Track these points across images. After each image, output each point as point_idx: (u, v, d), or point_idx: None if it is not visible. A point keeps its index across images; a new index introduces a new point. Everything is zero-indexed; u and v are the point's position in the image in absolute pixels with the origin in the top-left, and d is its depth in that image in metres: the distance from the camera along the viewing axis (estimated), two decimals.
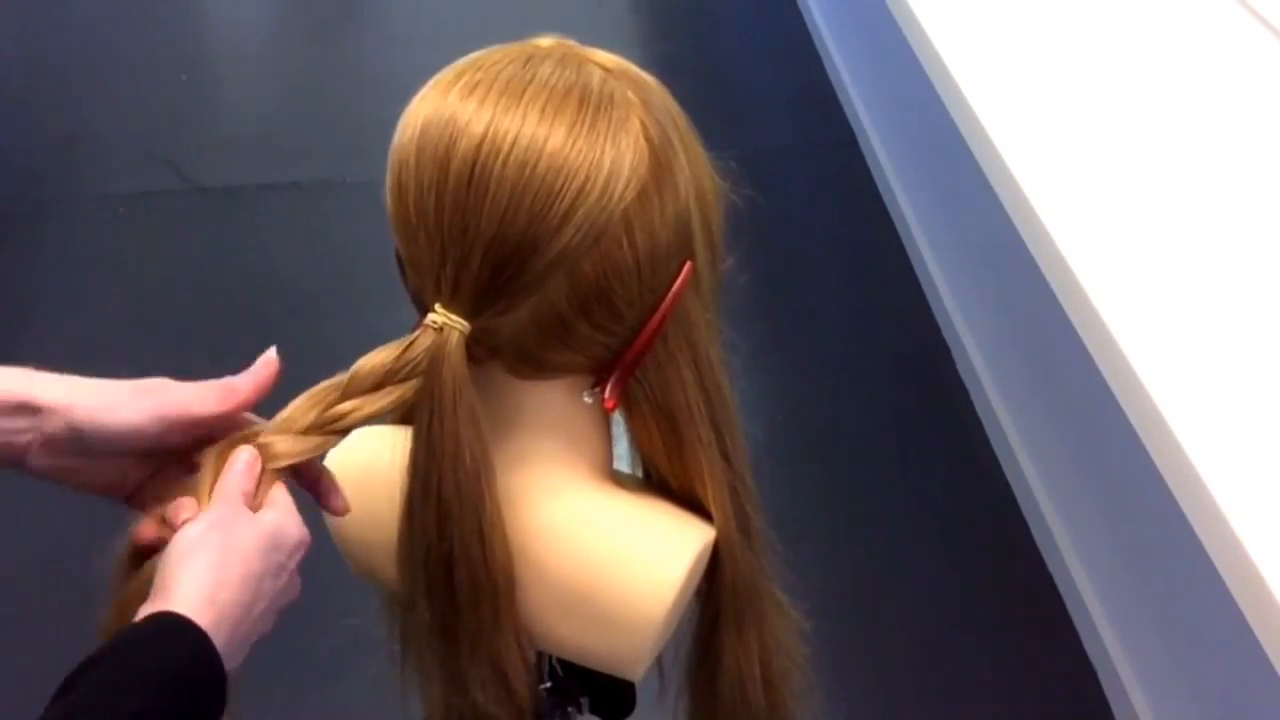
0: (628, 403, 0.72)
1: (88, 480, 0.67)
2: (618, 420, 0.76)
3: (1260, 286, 1.37)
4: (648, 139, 0.65)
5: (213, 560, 0.60)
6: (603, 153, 0.62)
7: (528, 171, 0.61)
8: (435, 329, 0.64)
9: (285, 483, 0.67)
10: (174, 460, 0.68)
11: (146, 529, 0.65)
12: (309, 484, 0.70)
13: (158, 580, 0.60)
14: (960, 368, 2.41)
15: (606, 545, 0.74)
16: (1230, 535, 1.10)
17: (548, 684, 0.91)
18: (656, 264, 0.66)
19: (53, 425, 0.64)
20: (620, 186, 0.63)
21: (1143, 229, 1.45)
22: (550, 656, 0.89)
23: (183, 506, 0.63)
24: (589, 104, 0.63)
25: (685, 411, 0.72)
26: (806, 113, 3.29)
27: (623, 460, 0.79)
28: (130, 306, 2.54)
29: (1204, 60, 1.78)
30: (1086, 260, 1.40)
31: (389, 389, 0.65)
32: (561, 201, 0.61)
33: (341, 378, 0.66)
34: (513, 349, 0.68)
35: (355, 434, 0.82)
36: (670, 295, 0.68)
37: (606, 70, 0.67)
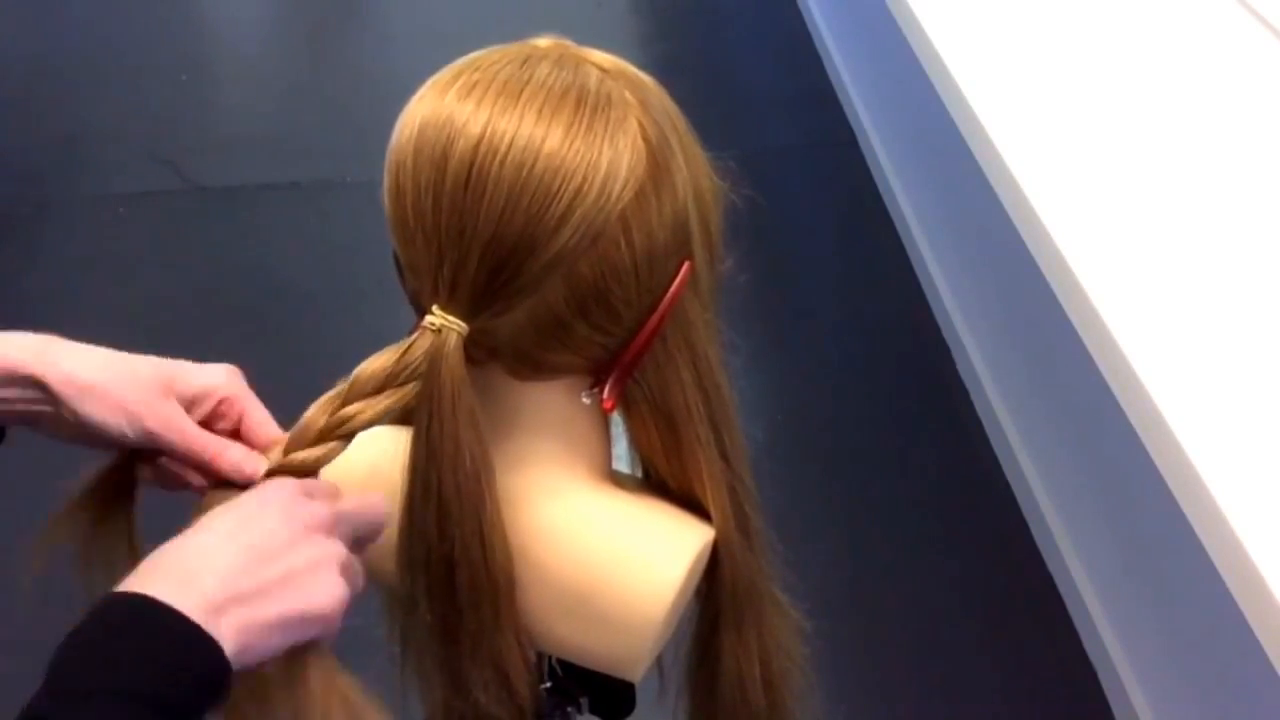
0: (626, 403, 0.72)
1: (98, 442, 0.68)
2: (617, 420, 0.76)
3: (1260, 286, 1.37)
4: (645, 139, 0.65)
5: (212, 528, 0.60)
6: (600, 153, 0.62)
7: (525, 172, 0.61)
8: (433, 331, 0.64)
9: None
10: None
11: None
12: None
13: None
14: (960, 368, 2.41)
15: (606, 545, 0.74)
16: (1230, 535, 1.10)
17: (548, 684, 0.91)
18: (654, 264, 0.66)
19: (58, 406, 0.66)
20: (618, 187, 0.63)
21: (1142, 229, 1.45)
22: (550, 656, 0.89)
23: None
24: (586, 105, 0.63)
25: (684, 412, 0.72)
26: (806, 113, 3.29)
27: (622, 460, 0.79)
28: (130, 306, 2.54)
29: (1204, 60, 1.78)
30: (1086, 260, 1.40)
31: (390, 392, 0.65)
32: (559, 202, 0.61)
33: (343, 383, 0.66)
34: (511, 350, 0.68)
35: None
36: (668, 296, 0.68)
37: (604, 71, 0.67)
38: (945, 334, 2.49)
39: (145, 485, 0.71)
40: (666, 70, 0.76)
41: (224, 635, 0.54)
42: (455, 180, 0.62)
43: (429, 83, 0.66)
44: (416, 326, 0.66)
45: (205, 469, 0.67)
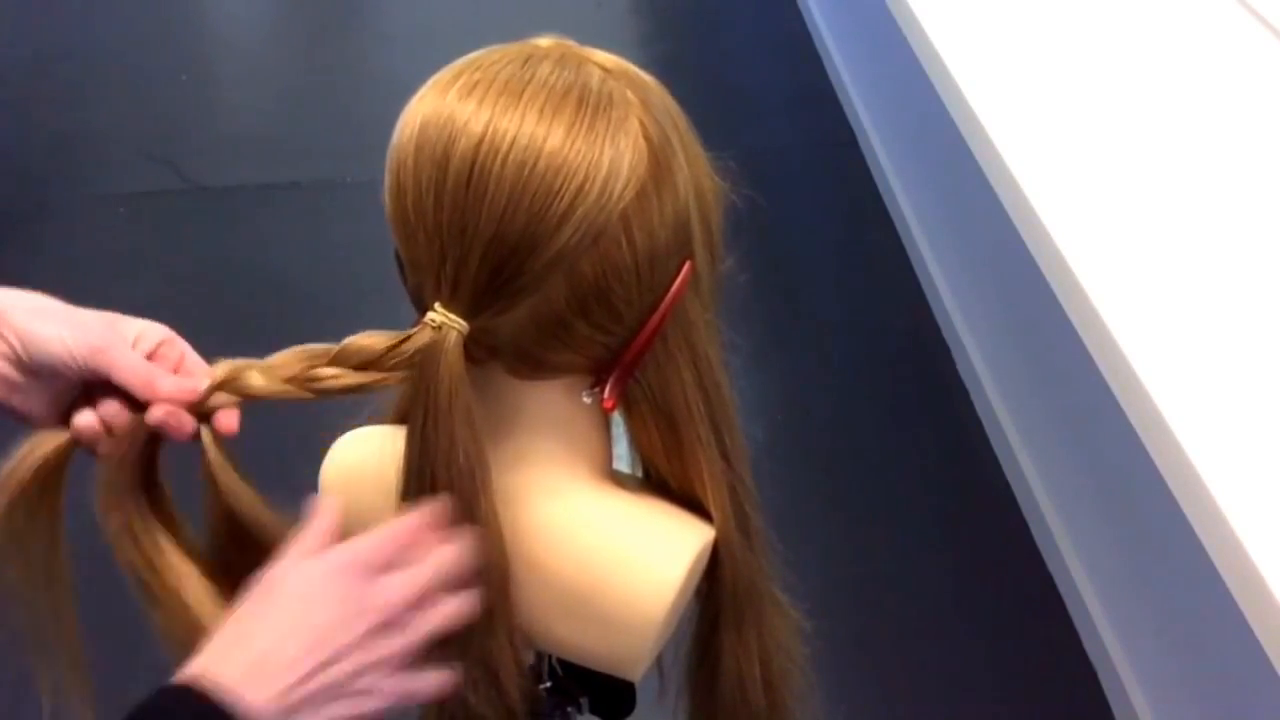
0: (627, 403, 0.72)
1: (22, 401, 0.68)
2: (617, 420, 0.76)
3: (1260, 286, 1.37)
4: (647, 139, 0.65)
5: (261, 611, 0.61)
6: (601, 152, 0.62)
7: (526, 171, 0.61)
8: (434, 328, 0.64)
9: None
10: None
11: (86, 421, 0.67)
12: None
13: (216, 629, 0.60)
14: (960, 368, 2.41)
15: (606, 545, 0.74)
16: (1230, 535, 1.10)
17: (548, 684, 0.91)
18: (655, 264, 0.66)
19: (5, 331, 0.66)
20: (619, 186, 0.63)
21: (1143, 229, 1.45)
22: (550, 656, 0.89)
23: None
24: (588, 104, 0.63)
25: (684, 411, 0.72)
26: (806, 113, 3.29)
27: (623, 460, 0.79)
28: (130, 307, 2.52)
29: (1204, 60, 1.78)
30: (1086, 260, 1.40)
31: (372, 372, 0.66)
32: (560, 201, 0.61)
33: (333, 345, 0.67)
34: (512, 349, 0.68)
35: (351, 434, 0.82)
36: (669, 295, 0.68)
37: (605, 70, 0.67)
38: (945, 334, 2.49)
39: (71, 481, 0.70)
40: (666, 70, 0.76)
41: None
42: (457, 179, 0.62)
43: (430, 82, 0.66)
44: (417, 324, 0.66)
45: (145, 393, 0.67)
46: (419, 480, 0.67)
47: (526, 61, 0.65)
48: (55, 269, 2.69)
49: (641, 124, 0.65)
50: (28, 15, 3.72)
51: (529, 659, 0.90)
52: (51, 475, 0.68)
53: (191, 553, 0.72)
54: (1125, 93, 1.71)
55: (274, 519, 0.70)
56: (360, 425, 0.83)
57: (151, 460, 0.70)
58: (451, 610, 0.67)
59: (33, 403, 0.68)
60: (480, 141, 0.62)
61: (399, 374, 0.66)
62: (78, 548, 0.71)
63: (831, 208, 2.98)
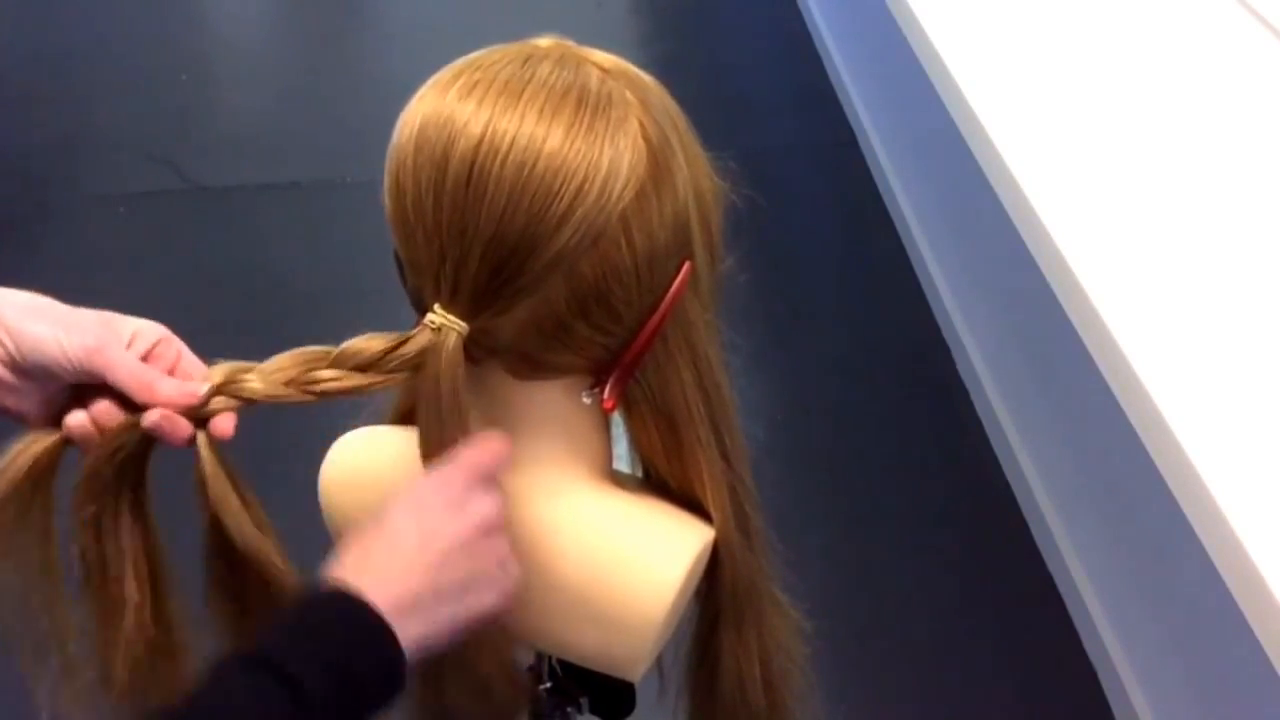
0: (627, 403, 0.72)
1: (15, 402, 0.67)
2: (617, 420, 0.76)
3: (1260, 286, 1.37)
4: (646, 139, 0.65)
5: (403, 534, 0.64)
6: (601, 153, 0.62)
7: (526, 172, 0.61)
8: (433, 329, 0.64)
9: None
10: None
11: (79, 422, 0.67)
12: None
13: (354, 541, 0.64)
14: (960, 368, 2.41)
15: (606, 546, 0.74)
16: (1230, 535, 1.10)
17: (548, 684, 0.91)
18: (655, 265, 0.66)
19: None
20: (618, 187, 0.63)
21: (1143, 229, 1.45)
22: (550, 656, 0.89)
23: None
24: (587, 104, 0.63)
25: (684, 412, 0.72)
26: (806, 113, 3.29)
27: (623, 460, 0.79)
28: (130, 307, 2.52)
29: (1204, 60, 1.78)
30: (1086, 260, 1.40)
31: (371, 374, 0.66)
32: (560, 202, 0.61)
33: (333, 348, 0.67)
34: (511, 350, 0.68)
35: (350, 435, 0.83)
36: (669, 296, 0.68)
37: (605, 70, 0.67)
38: (945, 334, 2.49)
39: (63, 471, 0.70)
40: (666, 70, 0.76)
41: (409, 635, 0.62)
42: (456, 179, 0.62)
43: (430, 82, 0.66)
44: (417, 325, 0.66)
45: (143, 396, 0.66)
46: None
47: (526, 62, 0.65)
48: (55, 269, 2.69)
49: (641, 124, 0.65)
50: (28, 15, 3.72)
51: (529, 659, 0.91)
52: (43, 474, 0.68)
53: (154, 567, 0.71)
54: (1125, 93, 1.71)
55: (259, 540, 0.69)
56: (359, 426, 0.83)
57: (140, 461, 0.69)
58: None
59: (26, 403, 0.67)
60: (479, 142, 0.62)
61: (399, 376, 0.66)
62: (71, 546, 0.71)
63: (831, 208, 2.98)
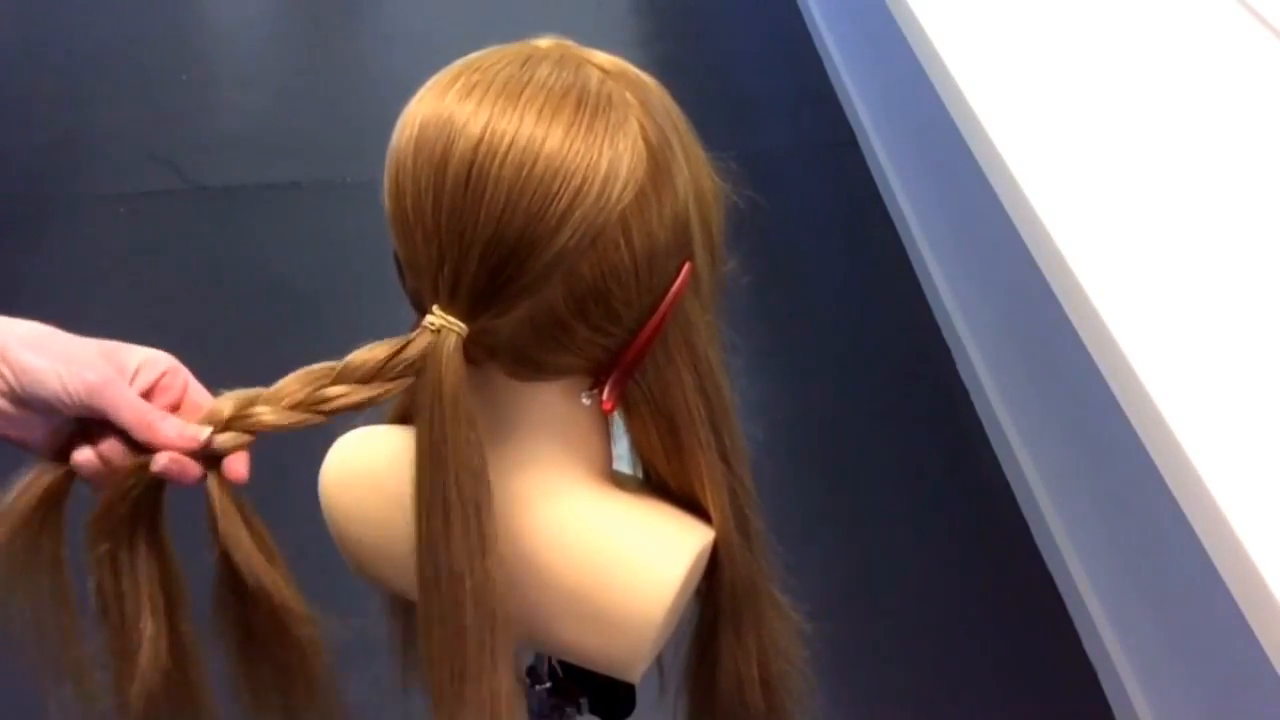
0: (627, 404, 0.72)
1: (19, 433, 0.66)
2: (617, 421, 0.76)
3: (1260, 286, 1.37)
4: (646, 140, 0.65)
5: None
6: (600, 154, 0.62)
7: (525, 172, 0.61)
8: (433, 331, 0.64)
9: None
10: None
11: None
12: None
13: None
14: (960, 368, 2.41)
15: (605, 546, 0.74)
16: (1230, 535, 1.10)
17: (548, 684, 0.91)
18: (654, 265, 0.66)
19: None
20: (618, 188, 0.63)
21: (1142, 229, 1.45)
22: (550, 656, 0.89)
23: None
24: (587, 105, 0.63)
25: (684, 413, 0.72)
26: (806, 113, 3.29)
27: (623, 461, 0.79)
28: (130, 306, 2.54)
29: (1204, 60, 1.78)
30: (1086, 260, 1.40)
31: (378, 384, 0.65)
32: (559, 203, 0.61)
33: (336, 363, 0.66)
34: (511, 351, 0.68)
35: (350, 434, 0.82)
36: (669, 297, 0.68)
37: (605, 71, 0.67)
38: (945, 334, 2.49)
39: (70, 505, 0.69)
40: (666, 70, 0.76)
41: None
42: (455, 180, 0.62)
43: (429, 83, 0.66)
44: (416, 326, 0.66)
45: (145, 436, 0.65)
46: (431, 487, 0.66)
47: (525, 62, 0.65)
48: (55, 269, 2.69)
49: (641, 125, 0.65)
50: (28, 15, 3.72)
51: (529, 659, 0.91)
52: (52, 507, 0.67)
53: (170, 598, 0.70)
54: (1125, 93, 1.71)
55: (269, 574, 0.68)
56: (358, 425, 0.83)
57: (155, 494, 0.67)
58: None
59: (31, 434, 0.66)
60: (479, 143, 0.61)
61: (405, 381, 0.65)
62: (84, 574, 0.70)
63: (831, 208, 2.98)
